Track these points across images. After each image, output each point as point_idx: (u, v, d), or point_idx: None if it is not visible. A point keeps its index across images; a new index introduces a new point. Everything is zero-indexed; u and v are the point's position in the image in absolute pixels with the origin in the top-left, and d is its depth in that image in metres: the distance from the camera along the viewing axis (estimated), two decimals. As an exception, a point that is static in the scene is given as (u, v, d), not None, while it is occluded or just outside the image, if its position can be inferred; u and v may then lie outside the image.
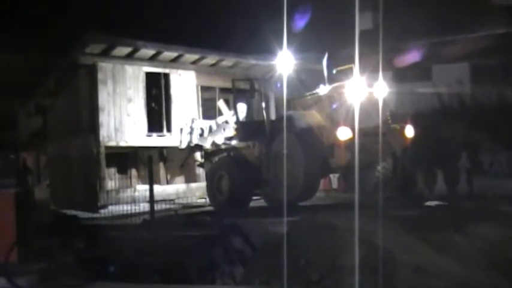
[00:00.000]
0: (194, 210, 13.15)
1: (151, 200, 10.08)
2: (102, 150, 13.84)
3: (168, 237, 8.54)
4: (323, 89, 11.19)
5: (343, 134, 9.66)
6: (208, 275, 7.68)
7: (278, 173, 10.59)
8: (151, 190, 10.21)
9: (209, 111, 16.94)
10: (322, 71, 11.97)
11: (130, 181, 16.19)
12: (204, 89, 16.69)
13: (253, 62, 16.80)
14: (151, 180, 9.95)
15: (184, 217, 11.56)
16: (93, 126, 13.96)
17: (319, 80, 12.01)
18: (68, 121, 13.96)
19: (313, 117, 10.67)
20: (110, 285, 6.98)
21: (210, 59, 16.08)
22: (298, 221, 8.56)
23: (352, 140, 9.53)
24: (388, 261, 6.49)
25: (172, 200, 14.37)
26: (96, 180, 13.55)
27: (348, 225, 7.27)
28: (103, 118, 14.03)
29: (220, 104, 17.36)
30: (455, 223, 7.45)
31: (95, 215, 12.16)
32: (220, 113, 16.69)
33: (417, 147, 11.13)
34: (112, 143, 14.16)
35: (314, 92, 11.32)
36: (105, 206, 13.24)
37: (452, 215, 8.20)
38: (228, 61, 16.51)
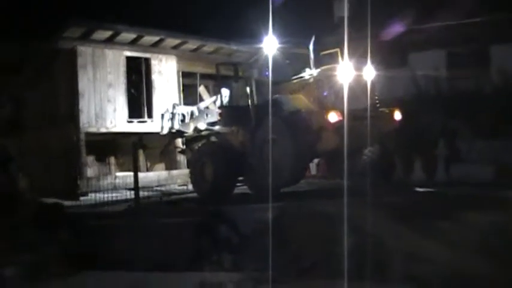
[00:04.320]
0: (175, 197, 12.93)
1: (136, 186, 9.86)
2: (82, 136, 13.50)
3: (155, 224, 8.36)
4: (310, 73, 11.09)
5: (333, 117, 9.56)
6: (197, 262, 7.50)
7: (264, 158, 10.45)
8: (135, 176, 9.99)
9: (189, 97, 16.72)
10: (305, 55, 11.89)
11: (109, 168, 15.90)
12: (184, 74, 16.42)
13: (235, 47, 16.59)
14: (136, 166, 9.74)
15: (168, 204, 11.39)
16: (73, 112, 13.60)
17: (303, 64, 11.97)
18: (46, 107, 13.57)
19: (301, 100, 10.56)
20: (99, 274, 6.74)
21: (192, 44, 15.82)
22: (285, 207, 8.48)
23: (342, 123, 9.46)
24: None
25: (152, 187, 14.11)
26: (75, 167, 13.23)
27: (345, 214, 7.20)
28: (83, 104, 13.68)
29: (201, 89, 17.15)
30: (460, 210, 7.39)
31: (77, 203, 11.84)
32: (201, 99, 16.48)
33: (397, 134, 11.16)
34: (92, 129, 13.83)
35: (300, 76, 11.21)
36: (85, 194, 12.94)
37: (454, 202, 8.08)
38: (209, 46, 16.27)
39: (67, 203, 11.50)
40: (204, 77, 17.01)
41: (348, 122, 9.45)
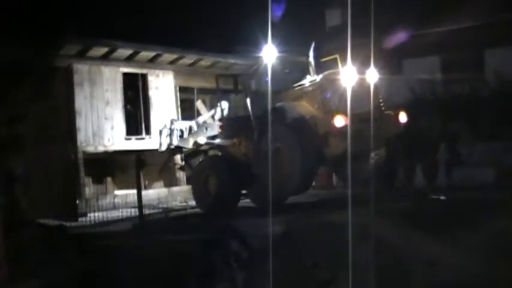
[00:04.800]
0: (178, 213, 12.60)
1: (140, 204, 9.57)
2: (80, 155, 13.20)
3: (163, 243, 8.07)
4: (311, 79, 10.94)
5: (339, 121, 9.37)
6: (209, 282, 7.18)
7: (270, 167, 10.17)
8: (139, 194, 9.70)
9: (186, 112, 16.50)
10: (304, 63, 11.75)
11: (106, 187, 15.58)
12: (181, 89, 16.23)
13: (232, 60, 16.46)
14: (139, 183, 9.45)
15: (173, 221, 11.09)
16: (70, 131, 13.31)
17: (302, 72, 11.81)
18: (43, 126, 13.25)
19: (305, 107, 10.39)
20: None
21: (189, 59, 15.65)
22: (296, 219, 8.22)
23: (348, 127, 9.25)
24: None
25: (152, 205, 13.79)
26: (74, 187, 12.89)
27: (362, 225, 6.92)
28: (80, 122, 13.39)
29: (199, 104, 16.93)
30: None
31: (80, 224, 11.50)
32: (199, 114, 16.27)
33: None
34: (90, 148, 13.53)
35: (301, 83, 11.05)
36: (85, 214, 12.59)
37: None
38: (206, 60, 16.11)
39: (69, 224, 11.22)
40: (201, 91, 16.83)
41: (354, 125, 9.28)
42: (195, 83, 16.29)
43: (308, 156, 9.77)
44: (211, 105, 17.09)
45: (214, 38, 16.42)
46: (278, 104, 10.57)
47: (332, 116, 9.54)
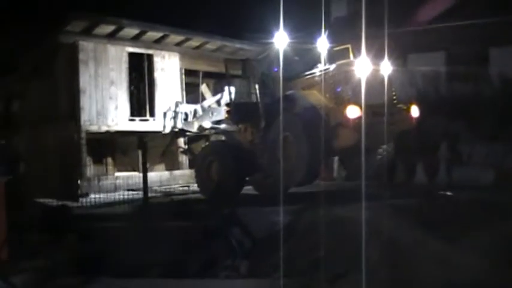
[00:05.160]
0: (180, 197, 12.44)
1: (145, 186, 9.41)
2: (83, 135, 12.98)
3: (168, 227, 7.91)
4: (323, 68, 10.73)
5: (353, 112, 9.18)
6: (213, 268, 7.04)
7: (278, 156, 10.01)
8: (145, 176, 9.54)
9: (191, 95, 16.28)
10: (314, 51, 11.53)
11: (106, 168, 15.40)
12: (186, 72, 15.98)
13: (238, 45, 16.21)
14: (145, 165, 9.29)
15: (178, 205, 10.92)
16: (74, 109, 13.07)
17: (312, 61, 11.60)
18: (46, 104, 13.05)
19: (315, 96, 10.18)
20: (112, 281, 6.23)
21: (195, 41, 15.38)
22: (301, 209, 8.06)
23: (361, 119, 9.08)
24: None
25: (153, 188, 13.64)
26: (76, 167, 12.70)
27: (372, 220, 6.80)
28: (84, 101, 13.14)
29: (203, 88, 16.74)
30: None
31: (84, 204, 11.33)
32: (203, 98, 16.06)
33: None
34: (93, 128, 13.30)
35: (312, 71, 10.85)
36: (86, 195, 12.43)
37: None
38: (212, 44, 15.84)
39: (71, 204, 11.05)
40: (205, 75, 16.61)
41: (368, 118, 9.11)
42: (201, 66, 16.06)
43: (317, 146, 9.56)
44: (215, 90, 16.92)
45: (222, 21, 16.11)
46: (288, 92, 10.37)
47: (345, 107, 9.34)
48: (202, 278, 6.53)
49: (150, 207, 10.07)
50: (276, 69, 10.66)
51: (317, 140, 9.61)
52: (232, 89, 12.74)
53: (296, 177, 9.70)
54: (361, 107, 9.15)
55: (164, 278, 6.44)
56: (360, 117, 9.13)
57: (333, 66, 10.21)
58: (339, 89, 9.81)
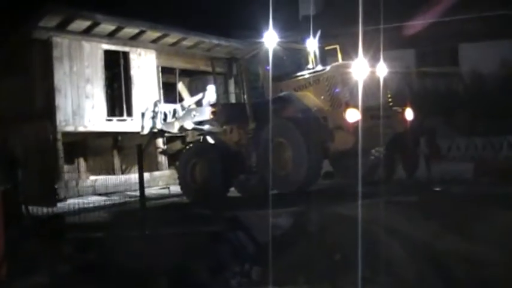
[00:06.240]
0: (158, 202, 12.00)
1: (141, 189, 8.94)
2: (59, 136, 12.32)
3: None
4: (316, 69, 10.52)
5: (353, 116, 9.01)
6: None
7: (271, 161, 9.70)
8: (141, 178, 9.05)
9: (167, 94, 15.79)
10: (301, 51, 11.31)
11: (79, 172, 14.78)
12: (162, 70, 15.47)
13: (215, 42, 15.81)
14: (141, 168, 8.82)
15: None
16: (49, 109, 12.39)
17: (300, 61, 11.38)
18: (19, 103, 12.30)
19: (310, 98, 9.94)
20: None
21: (172, 38, 14.88)
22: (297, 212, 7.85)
23: (360, 122, 8.94)
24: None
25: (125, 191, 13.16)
26: (52, 170, 12.03)
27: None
28: (59, 100, 12.46)
29: (180, 86, 16.23)
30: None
31: (62, 210, 10.71)
32: (180, 96, 15.58)
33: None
34: (70, 128, 12.65)
35: (303, 73, 10.61)
36: (64, 199, 11.82)
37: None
38: (189, 41, 15.38)
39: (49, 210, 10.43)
40: (180, 73, 16.14)
41: (365, 121, 8.99)
42: (177, 64, 15.59)
43: (315, 151, 9.37)
44: (190, 88, 16.45)
45: (198, 18, 15.69)
46: (282, 94, 10.10)
47: (343, 110, 9.16)
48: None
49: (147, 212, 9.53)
50: (267, 68, 10.33)
51: (315, 145, 9.41)
52: (213, 88, 12.40)
53: (295, 183, 9.46)
54: (359, 110, 9.02)
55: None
56: (358, 121, 8.99)
57: (328, 68, 9.99)
58: (335, 91, 9.58)
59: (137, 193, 12.82)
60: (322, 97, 9.81)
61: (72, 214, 9.21)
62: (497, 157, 13.22)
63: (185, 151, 12.26)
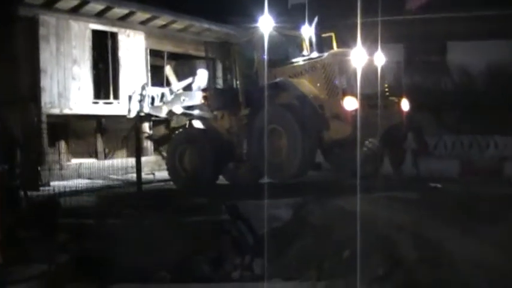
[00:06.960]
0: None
1: (139, 173, 8.74)
2: (44, 118, 11.93)
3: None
4: (312, 56, 10.30)
5: (351, 104, 8.84)
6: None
7: (264, 148, 9.51)
8: (138, 162, 8.88)
9: (154, 77, 15.44)
10: (295, 38, 11.09)
11: (59, 155, 14.38)
12: (150, 53, 15.09)
13: (205, 26, 15.48)
14: (139, 152, 8.66)
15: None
16: (34, 90, 11.96)
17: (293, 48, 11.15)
18: (2, 84, 11.85)
19: (306, 86, 9.73)
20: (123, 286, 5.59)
21: (161, 20, 14.51)
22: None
23: (358, 111, 8.77)
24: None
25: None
26: (36, 153, 11.65)
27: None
28: (45, 81, 12.04)
29: (168, 70, 15.87)
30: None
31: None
32: (168, 80, 15.24)
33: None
34: (55, 111, 12.25)
35: (300, 59, 10.39)
36: (47, 183, 11.46)
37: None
38: (179, 23, 15.02)
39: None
40: (168, 56, 15.79)
41: (362, 110, 8.83)
42: (166, 47, 15.23)
43: (310, 139, 9.20)
44: (176, 72, 16.11)
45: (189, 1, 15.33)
46: (278, 80, 9.86)
47: (341, 98, 8.98)
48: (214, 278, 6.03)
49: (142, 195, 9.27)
50: (263, 55, 10.09)
51: (311, 133, 9.24)
52: (204, 73, 12.11)
53: (287, 172, 9.29)
54: (357, 99, 8.86)
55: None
56: (356, 110, 8.83)
57: (325, 55, 9.78)
58: (332, 79, 9.38)
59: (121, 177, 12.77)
60: (319, 84, 9.60)
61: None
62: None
63: (174, 136, 12.01)
